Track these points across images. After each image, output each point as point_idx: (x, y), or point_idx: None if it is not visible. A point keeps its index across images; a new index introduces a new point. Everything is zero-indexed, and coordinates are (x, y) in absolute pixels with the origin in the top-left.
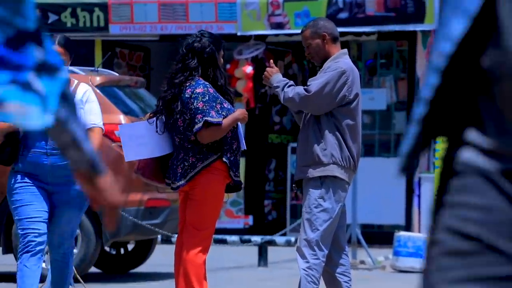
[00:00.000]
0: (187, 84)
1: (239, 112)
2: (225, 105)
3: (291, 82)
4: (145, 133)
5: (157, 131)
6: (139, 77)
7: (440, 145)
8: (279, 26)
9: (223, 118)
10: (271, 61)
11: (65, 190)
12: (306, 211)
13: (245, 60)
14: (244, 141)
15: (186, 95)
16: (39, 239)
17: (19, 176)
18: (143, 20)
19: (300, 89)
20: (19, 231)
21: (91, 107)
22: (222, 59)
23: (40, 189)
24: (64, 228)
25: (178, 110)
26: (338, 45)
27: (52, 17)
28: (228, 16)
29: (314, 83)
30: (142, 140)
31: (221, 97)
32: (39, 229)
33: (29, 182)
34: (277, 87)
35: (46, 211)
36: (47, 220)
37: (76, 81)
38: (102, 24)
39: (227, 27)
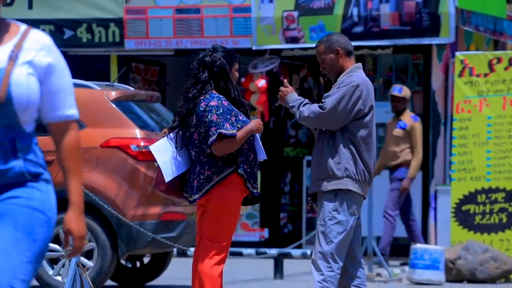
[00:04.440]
0: (201, 98)
1: (254, 123)
2: (240, 117)
3: (306, 101)
4: (172, 148)
5: (176, 147)
6: (154, 92)
7: (456, 158)
8: (294, 40)
9: (238, 130)
10: (286, 80)
11: None
12: (320, 223)
13: (260, 74)
14: (264, 151)
15: (201, 109)
16: None
17: None
18: (158, 35)
19: (315, 107)
20: None
21: (62, 81)
22: (237, 73)
23: None
24: None
25: (193, 124)
26: (352, 59)
27: (68, 33)
28: (243, 30)
29: (329, 100)
30: (172, 156)
31: (236, 109)
32: None
33: None
34: (293, 106)
35: None
36: None
37: (22, 27)
38: (117, 39)
39: (242, 41)
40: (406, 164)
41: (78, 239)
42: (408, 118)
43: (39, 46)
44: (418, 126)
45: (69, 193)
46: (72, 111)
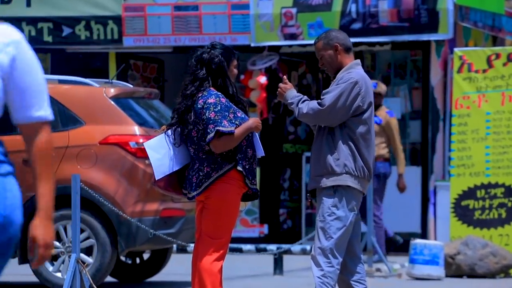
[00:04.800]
0: (199, 95)
1: (252, 120)
2: (239, 114)
3: (305, 97)
4: (167, 145)
5: (174, 144)
6: (153, 89)
7: (455, 154)
8: (293, 37)
9: (236, 127)
10: (285, 76)
11: None
12: (319, 219)
13: (259, 70)
14: (262, 148)
15: (199, 106)
16: None
17: None
18: (156, 32)
19: (314, 104)
20: None
21: (30, 79)
22: (236, 70)
23: None
24: None
25: (191, 121)
26: (351, 56)
27: (66, 30)
28: (242, 27)
29: (328, 97)
30: (167, 154)
31: (234, 106)
32: None
33: None
34: (292, 103)
35: None
36: None
37: None
38: (116, 36)
39: (240, 38)
40: (380, 158)
41: (43, 247)
42: (384, 113)
43: (6, 41)
44: (394, 122)
45: (37, 198)
46: (43, 112)
